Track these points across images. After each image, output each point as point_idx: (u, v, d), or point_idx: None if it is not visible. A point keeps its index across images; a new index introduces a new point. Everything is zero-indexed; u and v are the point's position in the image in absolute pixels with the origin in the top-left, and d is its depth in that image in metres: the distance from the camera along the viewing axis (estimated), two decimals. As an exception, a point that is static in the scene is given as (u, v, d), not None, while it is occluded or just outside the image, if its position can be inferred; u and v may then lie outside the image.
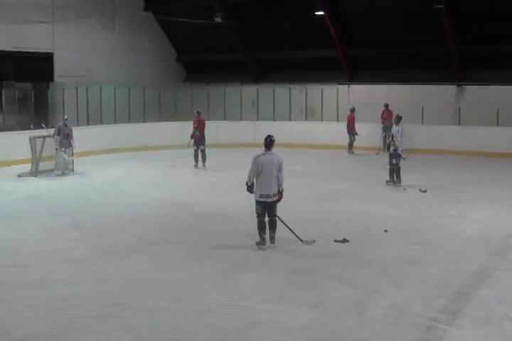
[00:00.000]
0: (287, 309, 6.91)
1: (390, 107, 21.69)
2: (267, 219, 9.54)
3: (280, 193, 9.51)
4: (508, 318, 6.63)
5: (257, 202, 9.51)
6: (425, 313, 6.74)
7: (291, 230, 9.78)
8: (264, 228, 9.47)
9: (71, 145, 16.90)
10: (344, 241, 9.74)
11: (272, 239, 9.58)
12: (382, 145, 20.79)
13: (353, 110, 22.09)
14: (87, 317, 6.68)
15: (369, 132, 21.92)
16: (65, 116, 17.31)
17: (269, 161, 9.39)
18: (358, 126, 21.92)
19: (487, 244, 9.79)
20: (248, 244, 9.59)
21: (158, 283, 7.84)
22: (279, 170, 9.44)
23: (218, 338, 6.21)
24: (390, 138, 15.18)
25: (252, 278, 8.02)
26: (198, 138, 18.34)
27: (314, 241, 9.74)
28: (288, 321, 6.57)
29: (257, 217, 9.51)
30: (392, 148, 15.02)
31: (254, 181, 9.44)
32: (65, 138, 16.70)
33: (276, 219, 9.60)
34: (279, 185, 9.47)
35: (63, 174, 16.71)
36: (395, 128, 15.06)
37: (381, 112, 22.13)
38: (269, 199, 9.44)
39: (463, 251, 9.34)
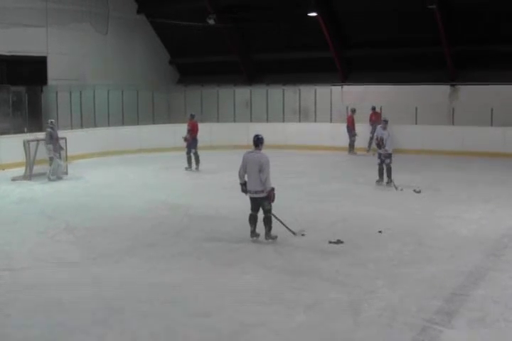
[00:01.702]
0: (282, 311, 6.89)
1: (380, 109, 21.74)
2: (261, 215, 9.82)
3: (268, 192, 9.64)
4: (504, 319, 6.62)
5: (249, 197, 9.89)
6: (420, 314, 6.73)
7: (283, 224, 10.10)
8: (252, 222, 9.88)
9: (62, 148, 16.84)
10: (338, 242, 9.75)
11: (266, 234, 9.83)
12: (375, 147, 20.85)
13: (353, 111, 22.16)
14: (81, 320, 6.66)
15: (362, 133, 21.95)
16: (51, 120, 17.06)
17: (251, 159, 9.75)
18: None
19: (482, 244, 9.80)
20: (243, 245, 9.62)
21: (153, 285, 7.82)
22: (261, 169, 9.57)
23: (213, 341, 6.21)
24: (380, 141, 15.07)
25: (246, 280, 8.00)
26: (189, 141, 18.30)
27: (304, 230, 10.29)
28: (282, 323, 6.55)
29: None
30: (382, 152, 15.00)
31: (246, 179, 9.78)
32: (56, 142, 16.62)
33: (271, 215, 9.80)
34: (263, 184, 9.59)
35: (58, 178, 16.64)
36: (384, 133, 14.97)
37: (369, 115, 22.17)
38: (254, 195, 9.77)
39: (458, 252, 9.33)
